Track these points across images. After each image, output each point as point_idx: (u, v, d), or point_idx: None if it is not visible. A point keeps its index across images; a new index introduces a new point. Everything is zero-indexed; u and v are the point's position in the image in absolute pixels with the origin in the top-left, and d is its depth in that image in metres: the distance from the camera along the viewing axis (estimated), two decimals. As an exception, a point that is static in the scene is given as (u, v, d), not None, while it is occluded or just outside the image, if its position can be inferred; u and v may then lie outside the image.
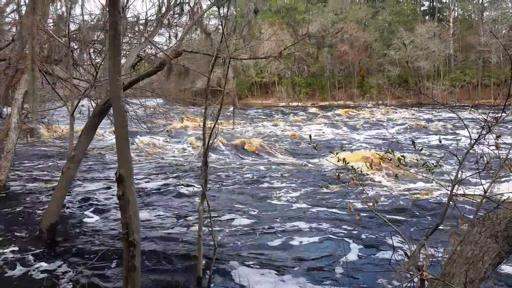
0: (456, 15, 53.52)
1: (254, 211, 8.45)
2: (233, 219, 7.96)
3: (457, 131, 21.78)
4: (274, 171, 12.75)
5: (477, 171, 2.36)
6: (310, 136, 3.27)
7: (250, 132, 23.02)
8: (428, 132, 22.74)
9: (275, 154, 16.13)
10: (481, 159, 2.41)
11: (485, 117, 2.46)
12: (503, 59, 43.45)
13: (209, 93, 4.87)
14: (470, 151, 2.53)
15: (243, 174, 12.29)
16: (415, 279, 2.44)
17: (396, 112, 35.16)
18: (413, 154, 12.25)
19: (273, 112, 40.13)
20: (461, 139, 17.89)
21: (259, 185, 10.84)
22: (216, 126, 4.62)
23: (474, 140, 2.47)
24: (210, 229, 4.68)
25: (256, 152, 16.09)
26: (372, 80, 48.97)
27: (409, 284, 2.49)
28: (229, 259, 5.92)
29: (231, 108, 11.67)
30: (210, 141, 4.72)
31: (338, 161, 3.03)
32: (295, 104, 50.33)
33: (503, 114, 2.32)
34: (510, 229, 2.39)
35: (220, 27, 4.79)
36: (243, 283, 5.07)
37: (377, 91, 48.73)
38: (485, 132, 2.41)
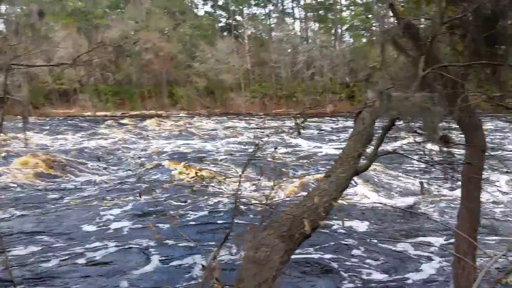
0: (250, 33, 59.56)
1: (62, 233, 7.73)
2: (36, 246, 7.01)
3: (257, 140, 23.67)
4: (79, 188, 11.64)
5: (258, 180, 2.62)
6: (98, 158, 3.06)
7: (51, 146, 20.19)
8: (241, 141, 23.37)
9: (81, 170, 14.61)
10: (261, 169, 2.70)
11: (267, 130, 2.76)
12: (291, 74, 50.84)
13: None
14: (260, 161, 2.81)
15: (45, 196, 10.79)
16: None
17: (205, 122, 36.60)
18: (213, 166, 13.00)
19: (78, 123, 36.73)
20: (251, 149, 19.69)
21: (62, 206, 9.73)
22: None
23: (253, 151, 2.71)
24: (4, 262, 3.97)
25: (58, 169, 14.20)
26: (181, 91, 50.02)
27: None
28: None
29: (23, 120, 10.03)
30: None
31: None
32: (103, 113, 47.11)
33: (272, 131, 2.65)
34: (293, 229, 2.73)
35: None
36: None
37: (187, 101, 50.07)
38: (262, 144, 2.70)
